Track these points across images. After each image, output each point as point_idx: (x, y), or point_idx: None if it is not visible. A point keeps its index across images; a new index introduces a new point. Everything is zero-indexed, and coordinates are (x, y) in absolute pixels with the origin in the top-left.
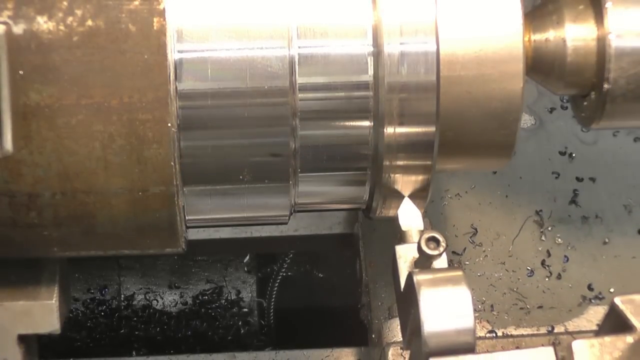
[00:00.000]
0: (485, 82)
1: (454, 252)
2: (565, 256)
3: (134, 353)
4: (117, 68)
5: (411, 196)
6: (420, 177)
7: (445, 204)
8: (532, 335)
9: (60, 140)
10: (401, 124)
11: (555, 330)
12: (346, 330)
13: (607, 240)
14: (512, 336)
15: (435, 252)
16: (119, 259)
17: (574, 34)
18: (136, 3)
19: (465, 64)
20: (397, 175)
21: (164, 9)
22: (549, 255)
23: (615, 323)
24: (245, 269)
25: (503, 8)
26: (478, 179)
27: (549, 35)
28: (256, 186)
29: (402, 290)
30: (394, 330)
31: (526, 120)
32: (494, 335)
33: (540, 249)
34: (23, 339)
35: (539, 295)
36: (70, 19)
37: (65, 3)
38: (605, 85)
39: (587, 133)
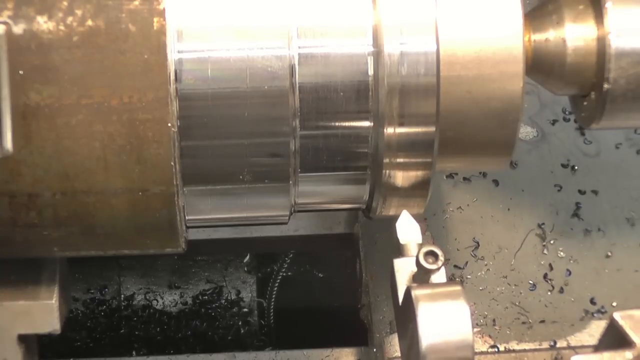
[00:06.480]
0: (485, 82)
1: (455, 266)
2: (568, 270)
3: (134, 353)
4: (117, 68)
5: (411, 195)
6: (420, 177)
7: (447, 218)
8: (535, 350)
9: (60, 140)
10: (401, 124)
11: (558, 345)
12: (346, 330)
13: (609, 254)
14: (514, 351)
15: (434, 267)
16: (119, 259)
17: (574, 34)
18: (136, 3)
19: (465, 64)
20: (397, 175)
21: (164, 9)
22: (551, 268)
23: (614, 338)
24: (245, 269)
25: (503, 8)
26: (480, 192)
27: (549, 35)
28: (256, 186)
29: (400, 304)
30: (396, 345)
31: (528, 132)
32: (496, 350)
33: (542, 262)
34: (23, 339)
35: (541, 310)
36: (70, 19)
37: (65, 3)
38: (605, 85)
39: (590, 145)
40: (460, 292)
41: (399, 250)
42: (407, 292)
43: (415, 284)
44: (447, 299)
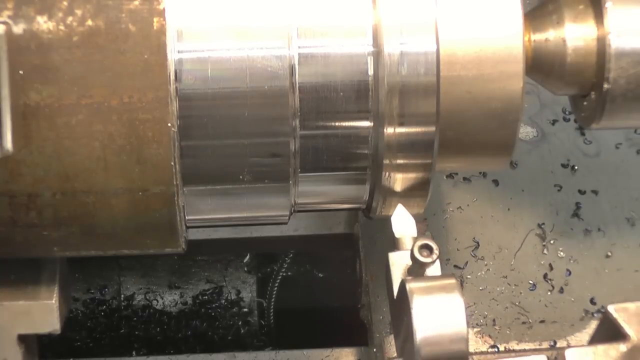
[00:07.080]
0: (485, 82)
1: (455, 266)
2: (568, 270)
3: (134, 353)
4: (117, 68)
5: (411, 195)
6: (420, 177)
7: (447, 218)
8: (535, 350)
9: (60, 140)
10: (401, 124)
11: (558, 345)
12: (346, 330)
13: (609, 254)
14: (514, 351)
15: (428, 260)
16: (119, 259)
17: (574, 34)
18: (136, 3)
19: (465, 64)
20: (397, 175)
21: (164, 9)
22: (551, 269)
23: (608, 331)
24: (245, 269)
25: (503, 8)
26: (480, 192)
27: (549, 35)
28: (256, 186)
29: (395, 298)
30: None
31: (528, 132)
32: (496, 350)
33: (542, 262)
34: (23, 339)
35: (541, 310)
36: (70, 18)
37: (65, 3)
38: (605, 85)
39: (590, 145)
40: (455, 285)
41: (394, 243)
42: (402, 286)
43: (410, 277)
44: (441, 292)
